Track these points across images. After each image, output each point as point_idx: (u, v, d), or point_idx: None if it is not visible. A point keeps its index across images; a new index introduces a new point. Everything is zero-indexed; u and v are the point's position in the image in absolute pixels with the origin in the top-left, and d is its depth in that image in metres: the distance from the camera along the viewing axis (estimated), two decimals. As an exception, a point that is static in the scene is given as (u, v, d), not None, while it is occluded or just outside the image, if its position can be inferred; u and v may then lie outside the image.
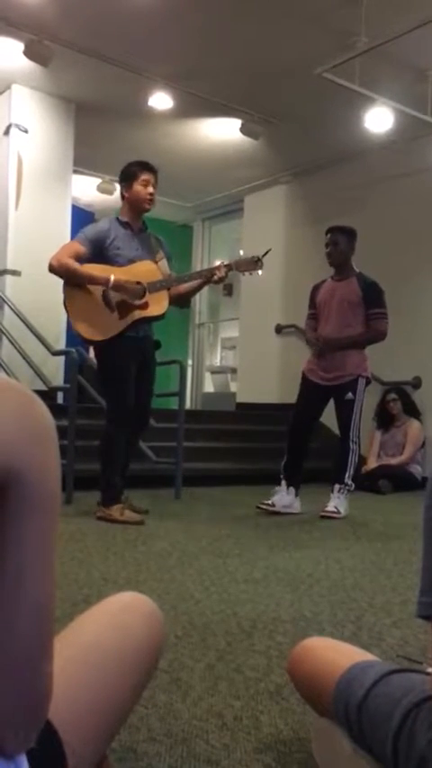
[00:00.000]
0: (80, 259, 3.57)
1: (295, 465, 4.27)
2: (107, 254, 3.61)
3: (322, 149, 6.71)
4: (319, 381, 4.27)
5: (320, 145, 6.62)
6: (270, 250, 3.76)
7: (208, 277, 3.70)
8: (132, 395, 3.67)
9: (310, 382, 4.31)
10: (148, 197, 3.67)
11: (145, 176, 3.65)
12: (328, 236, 4.28)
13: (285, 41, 5.00)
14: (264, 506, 4.15)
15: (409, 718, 0.89)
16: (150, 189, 3.66)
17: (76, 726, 0.76)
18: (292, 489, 4.24)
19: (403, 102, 5.37)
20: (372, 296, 4.21)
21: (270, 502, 4.17)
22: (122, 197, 3.76)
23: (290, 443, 4.30)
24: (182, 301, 3.91)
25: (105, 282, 3.51)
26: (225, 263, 3.74)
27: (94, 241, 3.61)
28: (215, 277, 3.64)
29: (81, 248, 3.59)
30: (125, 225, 3.70)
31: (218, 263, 3.90)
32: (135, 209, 3.71)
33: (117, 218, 3.74)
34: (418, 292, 6.28)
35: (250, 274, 3.80)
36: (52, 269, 3.57)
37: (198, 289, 3.84)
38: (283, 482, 4.24)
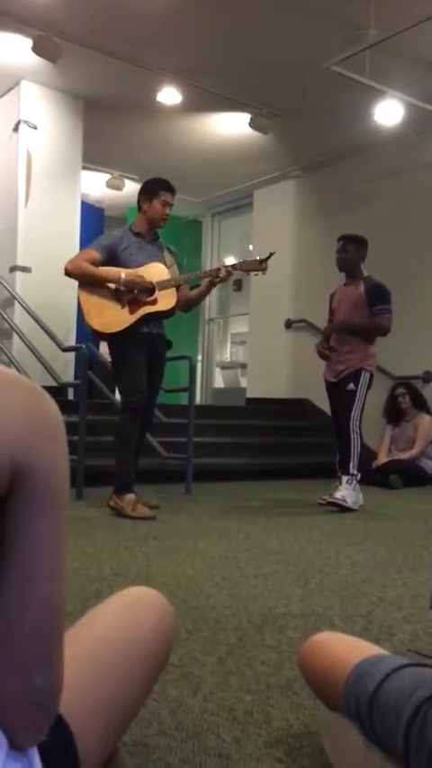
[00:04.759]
0: (94, 264, 3.71)
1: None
2: (120, 260, 3.75)
3: (332, 143, 6.68)
4: (331, 380, 4.44)
5: (330, 138, 6.60)
6: (274, 253, 3.82)
7: (212, 281, 3.81)
8: (145, 384, 3.74)
9: (327, 382, 4.50)
10: (165, 216, 3.84)
11: (166, 197, 3.82)
12: (340, 243, 4.43)
13: (294, 35, 4.98)
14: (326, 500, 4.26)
15: (420, 712, 0.89)
16: (168, 210, 3.84)
17: (87, 719, 0.76)
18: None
19: (413, 94, 5.34)
20: (376, 294, 4.32)
21: (339, 496, 4.26)
22: (139, 208, 3.89)
23: (336, 441, 4.46)
24: (188, 306, 4.00)
25: (117, 279, 3.65)
26: (226, 266, 3.89)
27: (107, 248, 3.76)
28: (217, 279, 3.77)
29: (96, 254, 3.73)
30: (137, 234, 3.85)
31: (225, 262, 3.97)
32: (150, 224, 3.87)
33: (130, 229, 3.89)
34: (429, 286, 6.25)
35: (255, 275, 3.94)
36: (68, 272, 3.71)
37: (205, 294, 3.95)
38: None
